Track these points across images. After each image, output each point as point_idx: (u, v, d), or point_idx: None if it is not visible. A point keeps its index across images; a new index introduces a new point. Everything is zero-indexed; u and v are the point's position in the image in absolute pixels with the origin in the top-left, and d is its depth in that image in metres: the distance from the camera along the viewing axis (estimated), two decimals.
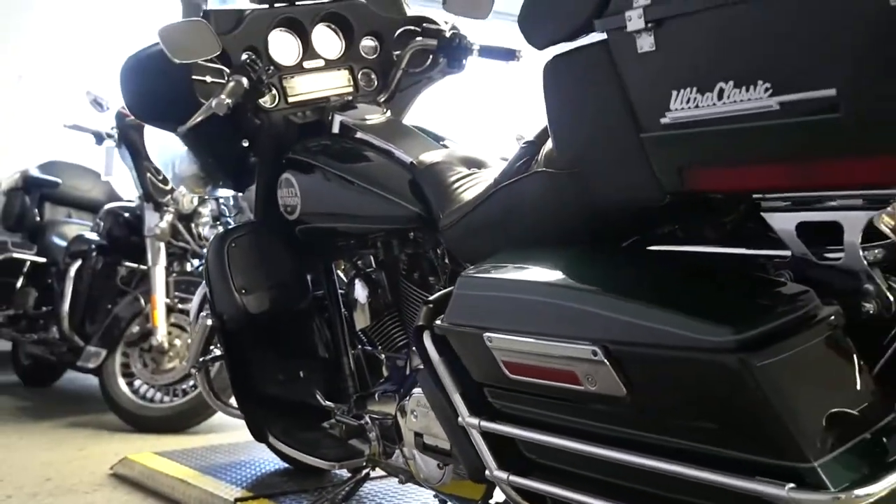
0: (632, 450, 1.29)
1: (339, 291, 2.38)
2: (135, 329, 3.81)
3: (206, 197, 3.40)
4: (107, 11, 5.50)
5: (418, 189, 2.02)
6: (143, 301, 3.82)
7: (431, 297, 1.63)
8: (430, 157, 2.06)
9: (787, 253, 1.31)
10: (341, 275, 2.43)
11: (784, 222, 1.27)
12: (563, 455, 1.42)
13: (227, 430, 3.56)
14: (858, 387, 1.20)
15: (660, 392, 1.24)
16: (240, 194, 2.51)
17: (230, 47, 2.24)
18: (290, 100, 2.35)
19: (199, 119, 2.15)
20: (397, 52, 2.46)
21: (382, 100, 2.44)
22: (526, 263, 1.46)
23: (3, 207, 4.77)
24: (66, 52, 5.37)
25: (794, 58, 1.08)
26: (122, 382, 3.77)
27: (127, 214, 4.10)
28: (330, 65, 2.43)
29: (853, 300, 1.23)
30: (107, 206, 4.23)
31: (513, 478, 1.48)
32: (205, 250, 2.62)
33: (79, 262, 4.08)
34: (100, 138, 4.10)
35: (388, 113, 2.37)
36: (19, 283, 4.46)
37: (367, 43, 2.49)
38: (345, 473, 2.44)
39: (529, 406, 1.44)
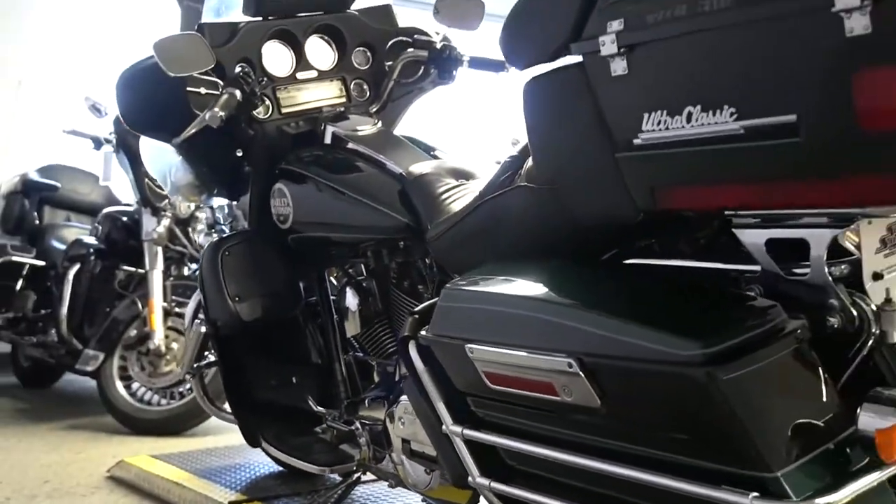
0: (606, 458, 1.34)
1: (332, 298, 2.42)
2: (132, 332, 3.85)
3: (201, 205, 3.44)
4: (106, 17, 5.53)
5: (407, 200, 2.06)
6: (140, 305, 3.86)
7: (417, 308, 1.68)
8: (420, 168, 2.11)
9: (758, 268, 1.35)
10: (334, 282, 2.48)
11: (754, 238, 1.32)
12: (543, 463, 1.46)
13: (224, 433, 3.60)
14: (822, 399, 1.24)
15: (632, 403, 1.29)
16: (234, 203, 2.55)
17: (224, 59, 2.28)
18: (284, 110, 2.39)
19: (193, 131, 2.20)
20: (389, 63, 2.50)
21: (374, 110, 2.48)
22: (507, 276, 1.51)
23: (3, 211, 4.81)
24: (66, 58, 5.40)
25: (757, 84, 1.13)
26: (119, 385, 3.81)
27: (125, 219, 4.15)
28: (323, 76, 2.47)
29: (819, 314, 1.28)
30: (105, 211, 4.28)
31: (494, 484, 1.53)
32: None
33: (77, 266, 4.13)
34: (98, 143, 4.15)
35: (380, 123, 2.41)
36: (18, 286, 4.50)
37: (360, 54, 2.53)
38: (337, 477, 2.49)
39: (510, 415, 1.49)
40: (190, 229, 3.95)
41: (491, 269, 1.57)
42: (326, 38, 2.51)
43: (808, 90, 1.08)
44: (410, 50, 2.47)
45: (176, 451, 3.19)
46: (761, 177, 1.17)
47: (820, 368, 1.26)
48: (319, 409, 2.33)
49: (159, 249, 3.85)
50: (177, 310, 3.82)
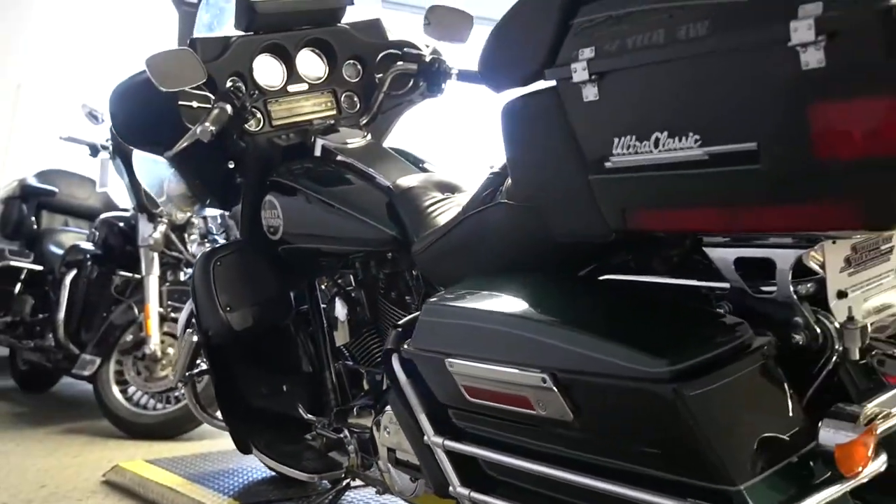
0: (579, 470, 1.38)
1: (322, 307, 2.47)
2: (129, 337, 3.89)
3: (194, 215, 3.49)
4: (106, 22, 5.57)
5: (395, 212, 2.10)
6: (136, 310, 3.89)
7: (400, 322, 1.72)
8: (407, 181, 2.15)
9: (727, 285, 1.40)
10: (326, 291, 2.52)
11: (723, 257, 1.37)
12: (521, 474, 1.51)
13: (219, 437, 3.62)
14: (787, 414, 1.29)
15: (603, 418, 1.33)
16: (227, 213, 2.60)
17: (216, 74, 2.32)
18: (275, 123, 2.43)
19: (184, 144, 2.24)
20: (379, 76, 2.54)
21: (365, 122, 2.53)
22: (486, 292, 1.55)
23: (1, 215, 4.84)
24: (65, 62, 5.44)
25: (720, 113, 1.17)
26: (116, 390, 3.85)
27: (122, 224, 4.18)
28: (314, 88, 2.51)
29: (785, 331, 1.33)
30: (102, 217, 4.31)
31: (474, 494, 1.57)
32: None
33: (74, 271, 4.16)
34: (95, 150, 4.19)
35: (369, 136, 2.46)
36: (17, 291, 4.55)
37: (350, 67, 2.57)
38: (329, 483, 2.53)
39: (488, 427, 1.53)
40: (186, 235, 3.99)
41: (471, 285, 1.61)
42: (317, 51, 2.54)
43: (767, 120, 1.12)
44: (400, 63, 2.51)
45: (171, 456, 3.24)
46: (724, 201, 1.21)
47: (785, 384, 1.31)
48: (309, 416, 2.37)
49: (155, 255, 3.89)
50: (172, 315, 3.86)
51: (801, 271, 1.34)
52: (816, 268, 1.33)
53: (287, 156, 2.41)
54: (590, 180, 1.36)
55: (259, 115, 2.41)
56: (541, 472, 1.44)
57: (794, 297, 1.31)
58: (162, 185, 2.60)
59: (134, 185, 3.97)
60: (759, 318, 1.34)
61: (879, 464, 1.26)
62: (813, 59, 1.05)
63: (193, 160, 2.41)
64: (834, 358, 1.31)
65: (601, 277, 1.59)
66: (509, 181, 1.67)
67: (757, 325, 1.32)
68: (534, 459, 1.46)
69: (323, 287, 2.46)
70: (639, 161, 1.27)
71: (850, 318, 1.30)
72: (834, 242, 1.30)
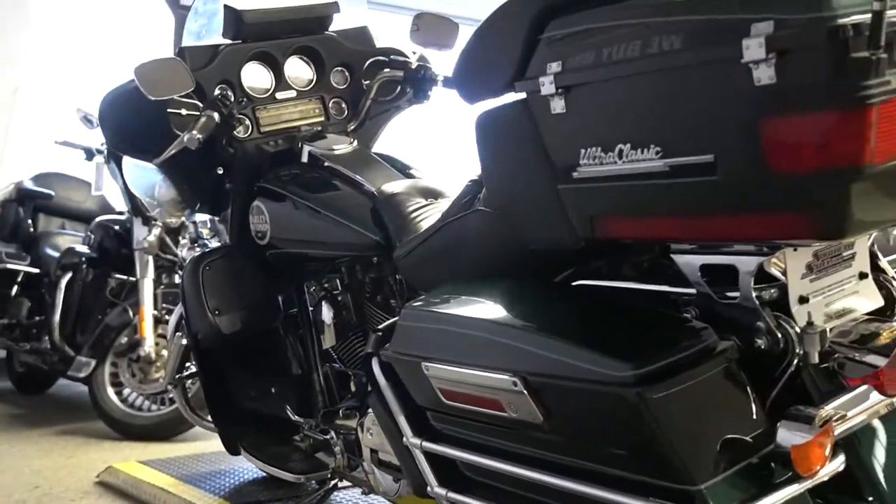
0: (550, 471, 1.42)
1: (310, 310, 2.51)
2: (123, 339, 3.92)
3: (185, 220, 3.53)
4: (103, 27, 5.61)
5: (379, 218, 2.15)
6: (131, 312, 3.93)
7: (380, 326, 1.77)
8: (391, 187, 2.19)
9: (695, 291, 1.44)
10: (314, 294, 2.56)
11: (689, 263, 1.41)
12: (496, 474, 1.55)
13: (212, 438, 3.62)
14: (749, 416, 1.33)
15: (570, 420, 1.37)
16: (216, 218, 2.64)
17: (204, 81, 2.37)
18: (263, 129, 2.48)
19: (172, 151, 2.29)
20: (367, 83, 2.59)
21: (353, 128, 2.57)
22: (463, 297, 1.59)
23: None
24: (63, 66, 5.48)
25: (679, 126, 1.21)
26: (111, 391, 3.88)
27: (117, 228, 4.22)
28: (302, 95, 2.56)
29: (748, 336, 1.36)
30: (97, 220, 4.35)
31: (451, 494, 1.62)
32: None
33: (70, 274, 4.20)
34: (90, 154, 4.23)
35: (355, 142, 2.50)
36: (13, 293, 4.58)
37: (338, 74, 2.62)
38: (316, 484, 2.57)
39: (464, 429, 1.58)
40: (180, 238, 4.02)
41: (448, 290, 1.65)
42: (305, 58, 2.59)
43: (723, 133, 1.17)
44: (387, 70, 2.55)
45: (164, 457, 3.28)
46: (685, 211, 1.26)
47: (748, 387, 1.34)
48: (297, 418, 2.41)
49: (150, 258, 3.93)
50: (167, 317, 3.88)
51: (766, 277, 1.38)
52: (778, 274, 1.37)
53: (275, 162, 2.45)
54: (559, 190, 1.41)
55: (247, 121, 2.45)
56: (513, 472, 1.48)
57: (757, 302, 1.35)
58: (153, 190, 2.64)
59: (128, 189, 4.01)
60: (723, 323, 1.38)
61: (837, 464, 1.31)
62: (764, 75, 1.10)
63: (182, 166, 2.46)
64: (795, 361, 1.35)
65: (575, 283, 1.63)
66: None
67: (722, 329, 1.36)
68: (507, 460, 1.50)
69: (311, 291, 2.50)
70: (604, 172, 1.31)
71: (810, 323, 1.33)
72: (795, 249, 1.34)
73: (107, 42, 5.44)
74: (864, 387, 1.36)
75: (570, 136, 1.35)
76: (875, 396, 1.37)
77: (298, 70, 2.58)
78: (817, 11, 1.06)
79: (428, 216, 2.08)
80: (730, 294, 1.40)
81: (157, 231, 3.94)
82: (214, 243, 2.95)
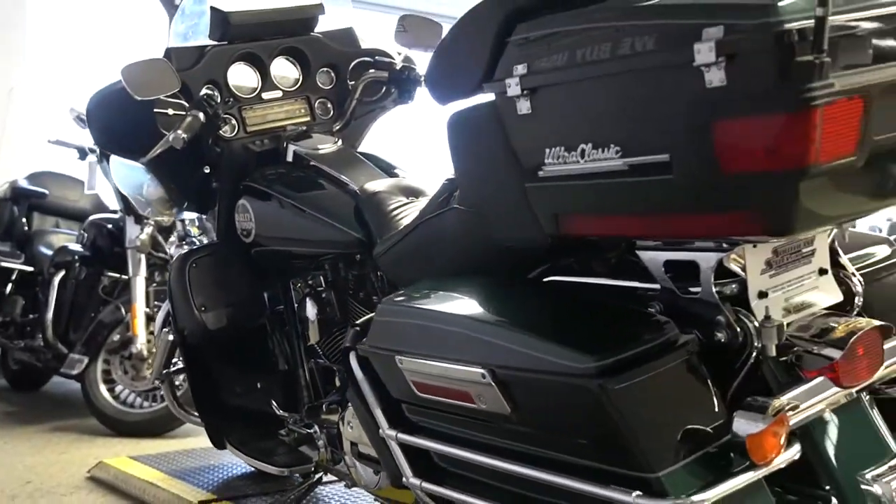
0: (518, 461, 1.47)
1: (296, 307, 2.55)
2: (116, 337, 3.96)
3: (173, 218, 3.58)
4: (98, 27, 5.66)
5: (361, 216, 2.19)
6: (124, 310, 3.97)
7: (357, 321, 1.81)
8: (374, 185, 2.23)
9: (658, 286, 1.48)
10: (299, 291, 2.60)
11: (654, 259, 1.46)
12: (469, 465, 1.59)
13: (202, 434, 3.69)
14: (708, 407, 1.37)
15: (536, 411, 1.42)
16: (204, 216, 2.68)
17: (191, 82, 2.41)
18: (249, 129, 2.52)
19: (158, 151, 2.33)
20: (352, 83, 2.63)
21: (338, 128, 2.61)
22: (436, 293, 1.64)
23: None
24: (57, 66, 5.53)
25: (637, 126, 1.26)
26: (103, 388, 3.93)
27: (110, 226, 4.26)
28: (287, 95, 2.60)
29: (708, 330, 1.41)
30: (90, 218, 4.40)
31: (425, 484, 1.66)
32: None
33: (63, 272, 4.25)
34: (83, 153, 4.28)
35: (340, 142, 2.54)
36: (7, 291, 4.63)
37: (324, 74, 2.66)
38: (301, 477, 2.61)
39: (437, 421, 1.62)
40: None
41: (423, 286, 1.70)
42: (291, 59, 2.63)
43: (677, 134, 1.21)
44: (372, 70, 2.60)
45: (154, 453, 3.32)
46: (644, 209, 1.30)
47: (708, 380, 1.39)
48: (282, 413, 2.45)
49: (142, 256, 3.96)
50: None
51: (728, 273, 1.43)
52: (738, 270, 1.41)
53: (261, 161, 2.50)
54: (526, 188, 1.45)
55: (234, 121, 2.49)
56: (483, 462, 1.52)
57: (717, 297, 1.39)
58: (141, 189, 2.69)
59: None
60: (686, 318, 1.42)
61: (793, 453, 1.35)
62: (715, 78, 1.14)
63: (169, 165, 2.50)
64: (753, 354, 1.40)
65: (546, 279, 1.67)
66: None
67: (684, 323, 1.41)
68: (478, 451, 1.54)
69: (296, 287, 2.54)
70: (568, 171, 1.36)
71: (767, 317, 1.38)
72: (755, 246, 1.39)
73: (102, 42, 5.49)
74: (820, 378, 1.39)
75: (536, 136, 1.40)
76: (831, 388, 1.41)
77: (284, 70, 2.63)
78: (765, 17, 1.11)
79: (408, 214, 2.12)
80: (692, 289, 1.44)
81: (149, 230, 3.97)
82: (204, 241, 3.01)
